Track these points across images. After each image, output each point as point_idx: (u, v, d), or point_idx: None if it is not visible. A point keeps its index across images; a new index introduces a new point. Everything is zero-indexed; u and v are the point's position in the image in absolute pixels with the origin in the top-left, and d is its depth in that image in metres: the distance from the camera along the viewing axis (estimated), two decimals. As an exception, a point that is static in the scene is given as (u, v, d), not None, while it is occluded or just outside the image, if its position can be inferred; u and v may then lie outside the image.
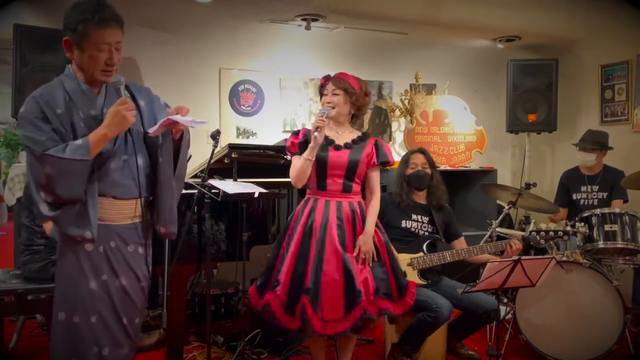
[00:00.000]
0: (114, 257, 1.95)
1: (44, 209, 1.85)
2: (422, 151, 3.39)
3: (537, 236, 3.12)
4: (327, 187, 2.64)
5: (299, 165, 2.60)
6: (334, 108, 2.64)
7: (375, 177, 2.73)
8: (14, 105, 3.71)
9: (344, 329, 2.51)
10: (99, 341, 1.91)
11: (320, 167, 2.63)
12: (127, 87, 2.00)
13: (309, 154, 2.55)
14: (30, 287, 2.89)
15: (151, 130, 1.96)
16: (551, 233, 3.11)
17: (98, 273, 1.92)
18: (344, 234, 2.59)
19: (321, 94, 2.75)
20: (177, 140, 2.04)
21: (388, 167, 3.01)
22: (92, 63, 1.88)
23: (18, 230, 4.00)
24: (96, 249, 1.91)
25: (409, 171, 3.30)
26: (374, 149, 2.69)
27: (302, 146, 2.63)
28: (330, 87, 2.67)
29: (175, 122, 1.94)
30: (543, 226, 3.18)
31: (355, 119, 2.77)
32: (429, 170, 3.29)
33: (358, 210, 2.66)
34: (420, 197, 3.31)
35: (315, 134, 2.51)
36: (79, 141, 1.83)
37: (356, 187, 2.69)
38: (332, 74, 2.73)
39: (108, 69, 1.90)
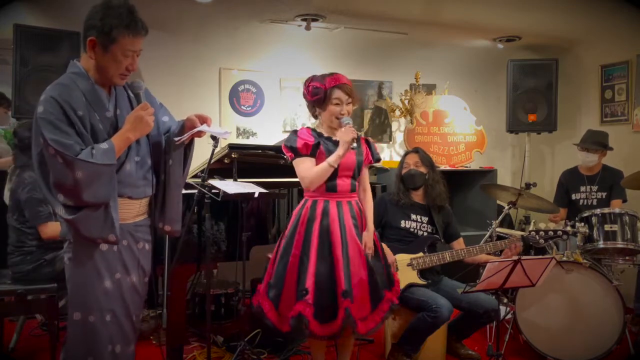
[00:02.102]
0: (126, 255, 1.98)
1: (61, 211, 1.83)
2: (416, 150, 3.42)
3: (537, 236, 3.12)
4: (338, 188, 2.63)
5: (321, 171, 2.55)
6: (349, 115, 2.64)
7: (367, 174, 2.83)
8: (14, 105, 3.71)
9: (375, 325, 2.57)
10: (113, 339, 1.93)
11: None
12: (131, 88, 2.03)
13: (335, 162, 2.53)
14: (31, 287, 2.88)
15: (178, 139, 2.03)
16: (550, 233, 3.12)
17: (112, 272, 1.93)
18: (359, 233, 2.64)
19: (322, 99, 2.63)
20: (186, 144, 2.11)
21: (387, 167, 3.02)
22: (114, 66, 1.89)
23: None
24: (111, 249, 1.93)
25: (403, 171, 3.33)
26: (367, 148, 2.75)
27: (314, 149, 2.61)
28: (342, 96, 2.59)
29: (202, 131, 2.03)
30: (542, 226, 3.18)
31: None
32: (422, 169, 3.29)
33: (361, 208, 2.72)
34: (418, 197, 3.32)
35: (355, 144, 2.52)
36: (105, 145, 1.83)
37: (357, 186, 2.73)
38: (322, 74, 2.70)
39: (127, 74, 1.93)
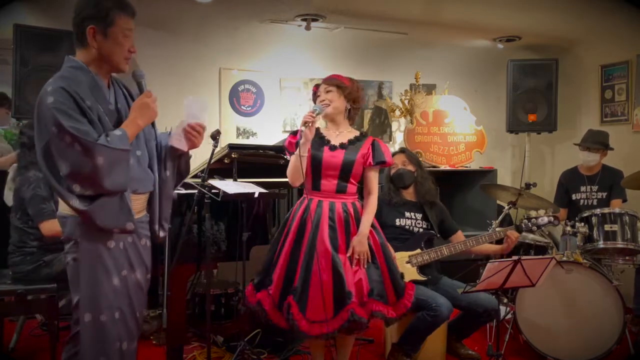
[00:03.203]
0: (132, 252, 1.98)
1: (76, 203, 1.81)
2: (402, 150, 3.47)
3: (529, 223, 3.16)
4: (321, 187, 2.64)
5: (292, 163, 2.61)
6: (328, 105, 2.66)
7: (372, 177, 2.70)
8: (14, 105, 3.71)
9: (331, 330, 2.49)
10: (121, 336, 1.94)
11: (315, 167, 2.63)
12: (124, 85, 2.06)
13: (300, 150, 2.54)
14: (31, 287, 2.88)
15: (177, 146, 2.09)
16: (541, 220, 3.16)
17: (119, 269, 1.93)
18: (335, 235, 2.58)
19: (315, 101, 2.78)
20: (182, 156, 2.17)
21: (387, 167, 3.02)
22: (118, 50, 1.91)
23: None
24: (117, 246, 1.93)
25: (392, 172, 3.35)
26: (370, 149, 2.67)
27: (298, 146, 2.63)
28: (321, 87, 2.71)
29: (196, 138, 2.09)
30: (533, 213, 3.21)
31: (353, 114, 2.77)
32: (410, 168, 3.32)
33: (352, 211, 2.64)
34: (410, 195, 3.34)
35: (302, 128, 2.51)
36: (118, 131, 1.85)
37: (351, 188, 2.67)
38: (312, 77, 2.78)
39: (129, 56, 1.95)
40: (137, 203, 2.02)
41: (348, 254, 2.57)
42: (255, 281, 2.69)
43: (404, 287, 2.66)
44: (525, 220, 3.18)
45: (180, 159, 2.18)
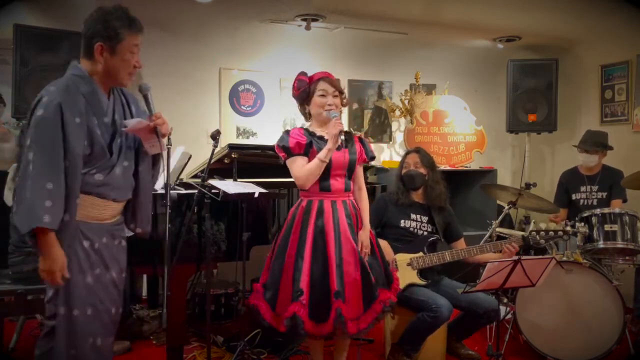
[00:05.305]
0: (105, 252, 2.05)
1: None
2: (416, 150, 3.40)
3: (537, 236, 3.11)
4: (331, 187, 2.63)
5: (313, 167, 2.55)
6: (340, 111, 2.67)
7: (361, 172, 2.81)
8: (14, 105, 3.70)
9: (366, 325, 2.54)
10: (94, 332, 2.00)
11: (325, 167, 2.60)
12: (122, 93, 2.10)
13: (326, 156, 2.52)
14: (31, 287, 2.88)
15: (151, 151, 2.12)
16: (551, 233, 3.11)
17: (93, 268, 2.00)
18: (354, 232, 2.62)
19: (306, 93, 2.65)
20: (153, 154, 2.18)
21: (387, 167, 3.02)
22: (124, 66, 1.97)
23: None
24: (92, 246, 2.00)
25: (403, 171, 3.33)
26: (361, 146, 2.74)
27: (307, 148, 2.61)
28: (328, 88, 2.62)
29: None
30: (543, 226, 3.18)
31: None
32: (422, 170, 3.28)
33: (356, 207, 2.71)
34: (418, 197, 3.32)
35: (342, 137, 2.52)
36: (48, 203, 1.83)
37: (352, 185, 2.72)
38: (307, 73, 2.70)
39: (134, 72, 2.01)
40: (115, 209, 2.09)
41: (358, 249, 2.61)
42: (268, 296, 2.62)
43: (391, 272, 2.80)
44: (534, 233, 3.11)
45: (155, 157, 2.21)
